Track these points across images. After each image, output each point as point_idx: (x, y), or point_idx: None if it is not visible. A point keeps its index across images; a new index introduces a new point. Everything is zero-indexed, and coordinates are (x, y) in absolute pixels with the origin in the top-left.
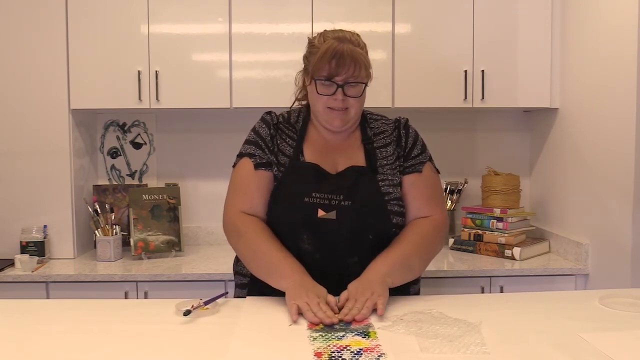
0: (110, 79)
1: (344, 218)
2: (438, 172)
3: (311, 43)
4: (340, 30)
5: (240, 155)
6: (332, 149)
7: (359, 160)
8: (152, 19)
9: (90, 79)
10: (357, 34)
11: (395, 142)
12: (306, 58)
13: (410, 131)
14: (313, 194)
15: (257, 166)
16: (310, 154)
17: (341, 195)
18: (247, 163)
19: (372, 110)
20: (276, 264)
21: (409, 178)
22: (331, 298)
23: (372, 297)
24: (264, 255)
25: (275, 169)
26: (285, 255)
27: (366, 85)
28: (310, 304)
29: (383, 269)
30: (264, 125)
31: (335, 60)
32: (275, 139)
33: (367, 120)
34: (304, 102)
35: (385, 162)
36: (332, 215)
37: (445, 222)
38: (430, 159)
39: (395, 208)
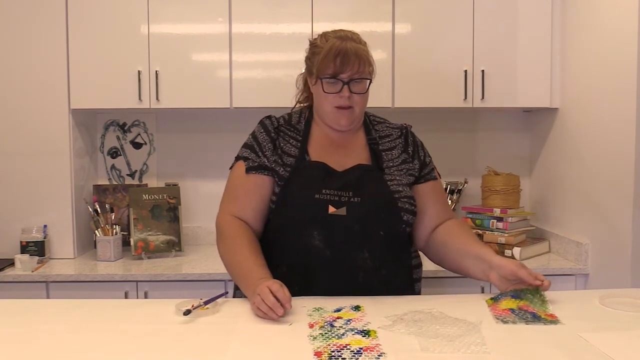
0: (110, 79)
1: (354, 214)
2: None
3: (313, 44)
4: (341, 30)
5: (236, 159)
6: (337, 148)
7: (365, 158)
8: (152, 19)
9: (90, 79)
10: (357, 34)
11: (402, 148)
12: (309, 59)
13: (417, 140)
14: (323, 191)
15: (248, 170)
16: (315, 153)
17: (350, 191)
18: (239, 166)
19: (373, 112)
20: (246, 274)
21: (427, 185)
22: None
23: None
24: (238, 263)
25: (282, 169)
26: (254, 263)
27: (370, 81)
28: (257, 304)
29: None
30: (262, 130)
31: (340, 58)
32: (277, 141)
33: (370, 122)
34: (305, 105)
35: (391, 163)
36: (343, 211)
37: None
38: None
39: (407, 206)
